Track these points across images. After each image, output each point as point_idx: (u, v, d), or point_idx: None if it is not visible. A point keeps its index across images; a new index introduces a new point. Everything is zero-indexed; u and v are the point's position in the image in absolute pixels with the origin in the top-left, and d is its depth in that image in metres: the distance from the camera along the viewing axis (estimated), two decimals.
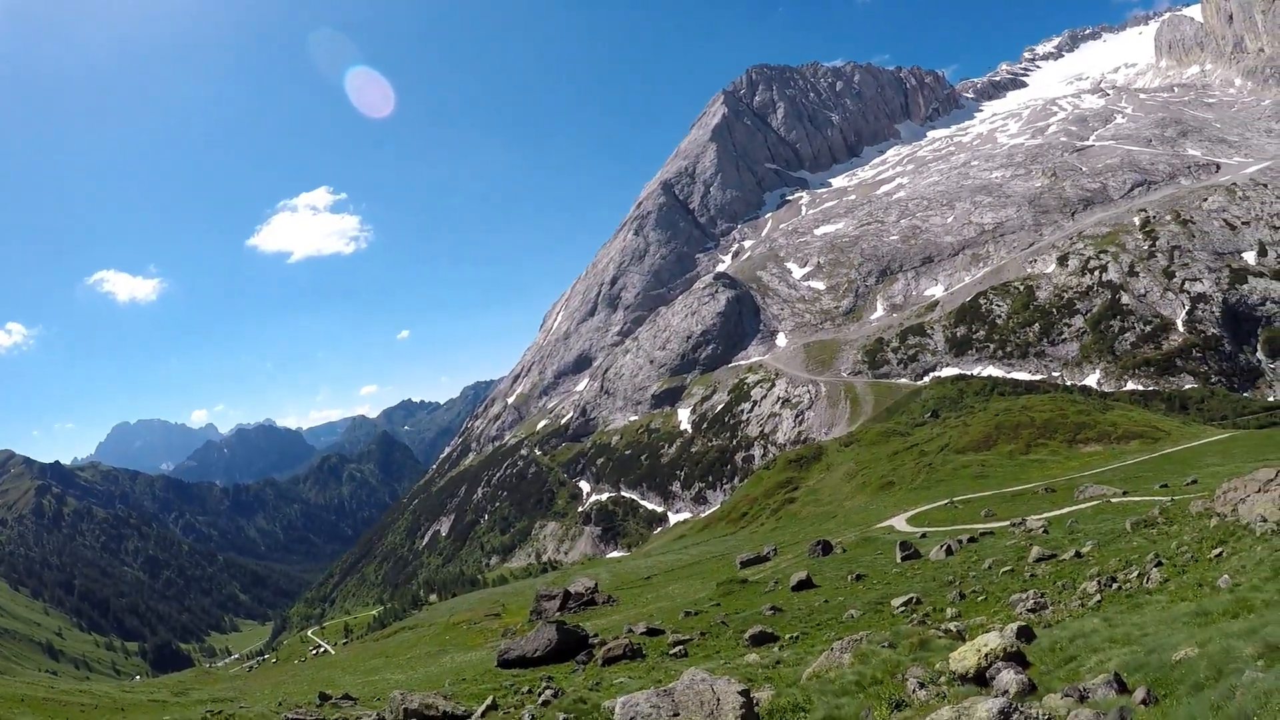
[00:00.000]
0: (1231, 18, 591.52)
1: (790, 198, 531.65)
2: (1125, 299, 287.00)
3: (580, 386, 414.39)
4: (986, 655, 18.55)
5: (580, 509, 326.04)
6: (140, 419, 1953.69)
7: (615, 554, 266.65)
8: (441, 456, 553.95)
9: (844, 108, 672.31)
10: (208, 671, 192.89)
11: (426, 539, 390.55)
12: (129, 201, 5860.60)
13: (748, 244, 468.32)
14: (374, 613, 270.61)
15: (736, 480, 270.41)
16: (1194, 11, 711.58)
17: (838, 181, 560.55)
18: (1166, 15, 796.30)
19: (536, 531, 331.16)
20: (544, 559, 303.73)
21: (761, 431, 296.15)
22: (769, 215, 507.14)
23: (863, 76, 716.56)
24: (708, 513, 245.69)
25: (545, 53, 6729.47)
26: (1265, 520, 34.99)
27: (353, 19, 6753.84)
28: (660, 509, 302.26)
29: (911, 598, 42.54)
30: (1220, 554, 32.05)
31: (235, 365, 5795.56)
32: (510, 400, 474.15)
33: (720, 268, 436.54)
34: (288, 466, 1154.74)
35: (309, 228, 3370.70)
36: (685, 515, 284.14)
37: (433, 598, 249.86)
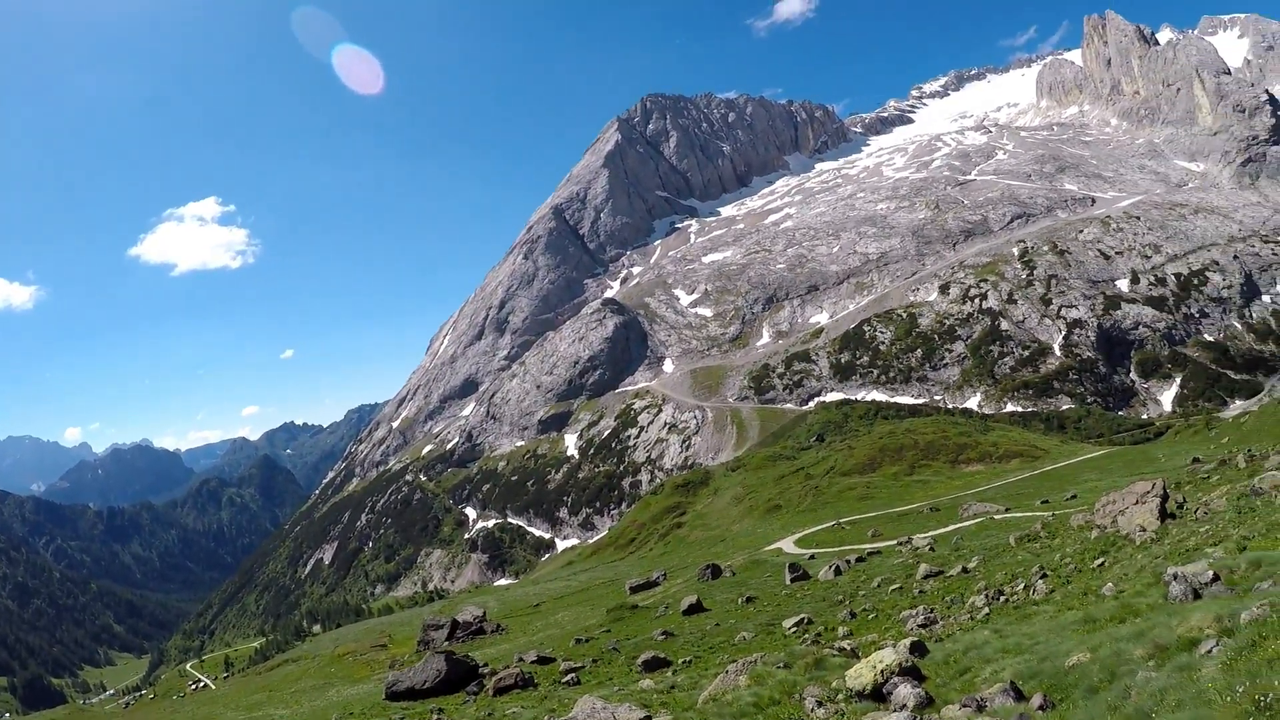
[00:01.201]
0: (1110, 62, 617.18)
1: (680, 225, 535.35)
2: (1004, 325, 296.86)
3: (466, 411, 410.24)
4: (882, 671, 18.66)
5: (467, 536, 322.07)
6: (9, 435, 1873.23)
7: (503, 581, 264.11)
8: (325, 481, 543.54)
9: (735, 138, 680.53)
10: (82, 709, 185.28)
11: (309, 567, 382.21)
12: (7, 202, 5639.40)
13: (636, 270, 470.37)
14: (256, 644, 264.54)
15: (624, 506, 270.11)
16: (1074, 56, 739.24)
17: (727, 210, 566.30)
18: (1048, 59, 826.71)
19: (422, 559, 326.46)
20: (430, 587, 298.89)
21: (649, 457, 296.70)
22: (658, 242, 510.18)
23: (755, 109, 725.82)
24: (596, 539, 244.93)
25: (442, 68, 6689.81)
26: (1144, 530, 36.07)
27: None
28: (548, 535, 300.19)
29: (803, 618, 42.76)
30: (1103, 563, 32.87)
31: (112, 381, 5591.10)
32: (395, 424, 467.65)
33: (609, 294, 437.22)
34: (165, 489, 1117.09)
35: (195, 239, 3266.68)
36: (573, 541, 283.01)
37: (316, 628, 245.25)
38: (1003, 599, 33.32)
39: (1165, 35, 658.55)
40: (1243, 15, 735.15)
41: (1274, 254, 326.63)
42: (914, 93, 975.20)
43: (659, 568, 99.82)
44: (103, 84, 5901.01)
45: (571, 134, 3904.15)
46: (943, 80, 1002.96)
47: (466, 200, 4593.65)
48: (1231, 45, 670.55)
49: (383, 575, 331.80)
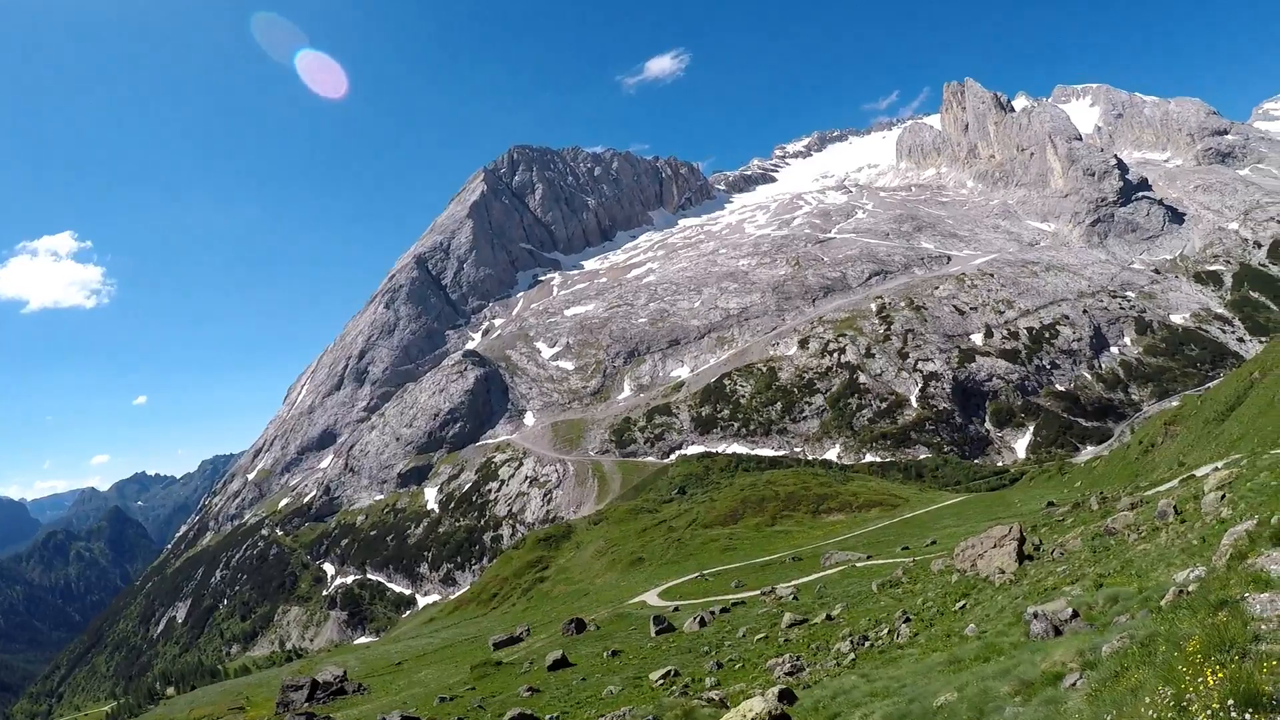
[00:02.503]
0: (967, 127, 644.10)
1: (543, 278, 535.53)
2: (863, 378, 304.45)
3: (324, 463, 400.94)
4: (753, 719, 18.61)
5: (325, 593, 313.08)
6: None
7: (364, 639, 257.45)
8: (178, 535, 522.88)
9: (601, 193, 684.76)
10: None
11: (162, 626, 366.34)
12: None
13: (498, 322, 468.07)
14: (106, 709, 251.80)
15: (486, 560, 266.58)
16: (934, 120, 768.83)
17: (590, 264, 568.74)
18: (909, 122, 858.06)
19: (280, 617, 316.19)
20: (289, 646, 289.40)
21: (510, 511, 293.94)
22: (521, 294, 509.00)
23: (621, 164, 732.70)
24: (458, 594, 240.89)
25: (308, 113, 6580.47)
26: (1003, 572, 36.90)
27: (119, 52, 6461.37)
28: (408, 591, 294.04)
29: (670, 670, 42.60)
30: (965, 606, 33.45)
31: None
32: (251, 476, 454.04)
33: (470, 345, 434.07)
34: (10, 542, 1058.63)
35: (48, 275, 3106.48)
36: (435, 597, 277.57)
37: (170, 691, 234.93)
38: (868, 644, 33.65)
39: (1021, 102, 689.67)
40: (1095, 85, 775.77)
41: (1121, 308, 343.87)
42: (778, 152, 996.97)
43: (523, 623, 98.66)
44: None
45: (437, 182, 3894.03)
46: (806, 141, 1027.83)
47: (329, 247, 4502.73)
48: (1084, 113, 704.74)
49: (239, 634, 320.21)
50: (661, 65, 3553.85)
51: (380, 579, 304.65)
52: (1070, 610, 21.11)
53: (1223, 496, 30.03)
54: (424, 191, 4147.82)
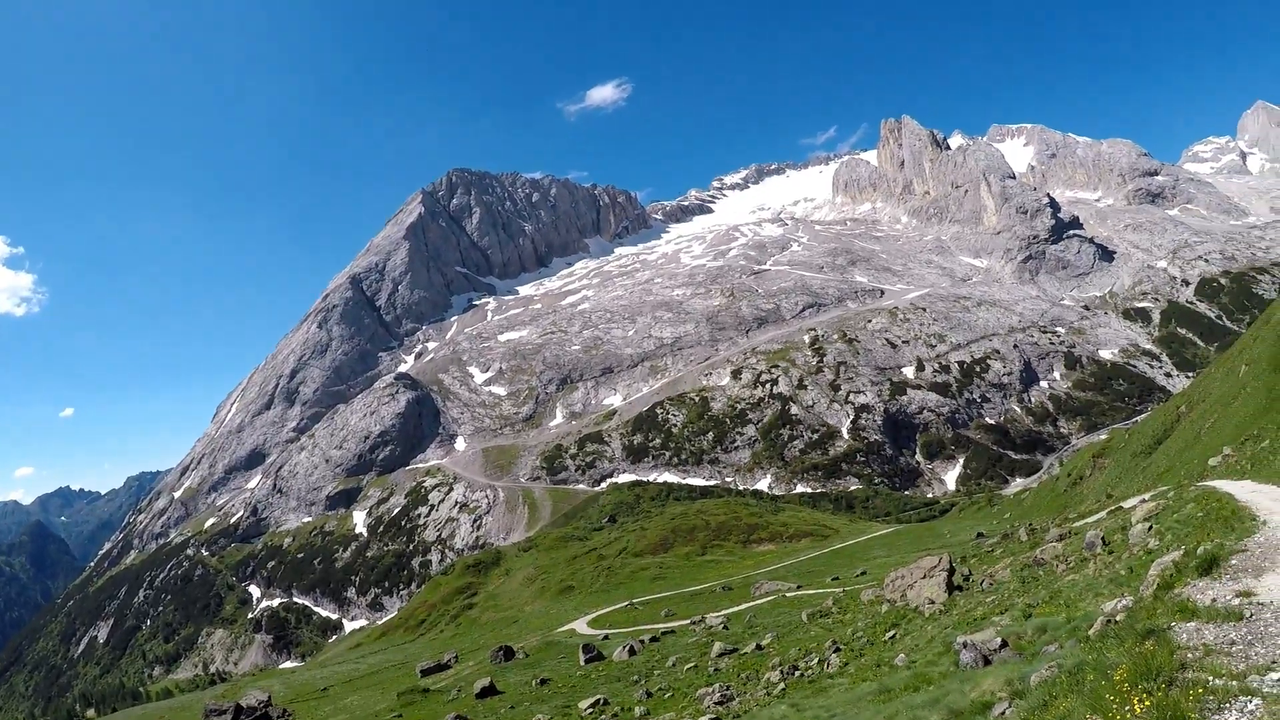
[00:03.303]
0: (903, 164, 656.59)
1: (477, 302, 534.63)
2: (795, 409, 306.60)
3: (252, 484, 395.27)
4: None
5: (250, 615, 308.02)
6: None
7: (289, 664, 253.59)
8: (101, 552, 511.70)
9: (538, 218, 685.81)
10: None
11: (83, 645, 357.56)
12: None
13: (432, 345, 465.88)
14: None
15: (414, 586, 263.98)
16: (870, 156, 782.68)
17: (525, 290, 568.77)
18: (845, 158, 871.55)
19: (204, 640, 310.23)
20: (212, 670, 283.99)
21: (439, 536, 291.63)
22: (455, 318, 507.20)
23: (559, 190, 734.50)
24: (385, 620, 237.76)
25: (248, 123, 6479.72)
26: (933, 602, 37.12)
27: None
28: (335, 616, 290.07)
29: (599, 699, 42.29)
30: (894, 635, 33.58)
31: None
32: (178, 494, 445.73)
33: (403, 368, 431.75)
34: None
35: None
36: (362, 623, 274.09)
37: (90, 713, 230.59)
38: (798, 674, 33.62)
39: (957, 141, 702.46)
40: (1029, 125, 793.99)
41: (1051, 343, 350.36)
42: (715, 183, 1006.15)
43: (450, 649, 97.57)
44: None
45: (375, 202, 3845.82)
46: (744, 173, 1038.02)
47: (265, 264, 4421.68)
48: (1018, 152, 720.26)
49: (162, 656, 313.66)
50: (604, 94, 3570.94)
51: (307, 603, 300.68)
52: (999, 640, 21.23)
53: (1150, 528, 30.44)
54: (362, 211, 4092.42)
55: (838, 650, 34.69)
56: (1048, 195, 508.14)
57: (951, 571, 40.30)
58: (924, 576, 40.77)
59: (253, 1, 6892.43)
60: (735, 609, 74.65)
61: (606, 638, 75.91)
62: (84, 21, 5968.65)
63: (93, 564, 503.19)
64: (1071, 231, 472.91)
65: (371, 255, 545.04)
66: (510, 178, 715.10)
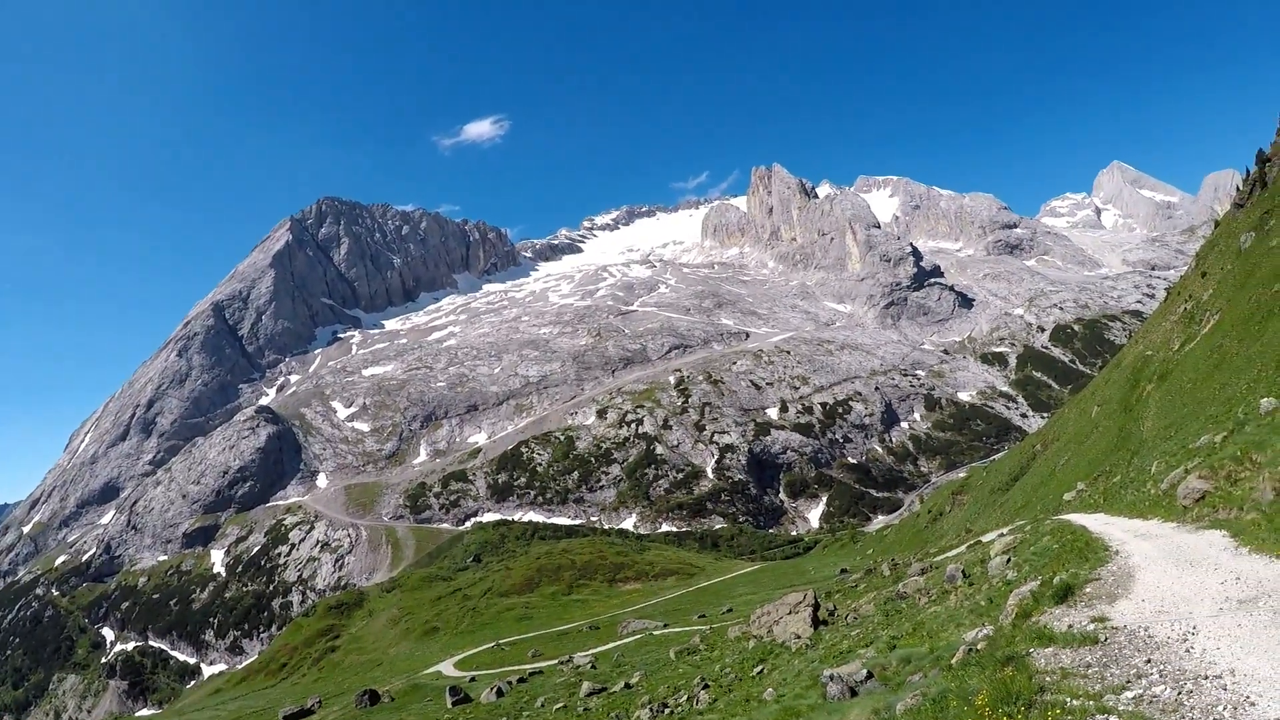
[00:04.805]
0: (772, 210, 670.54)
1: (342, 335, 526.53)
2: (660, 449, 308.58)
3: (106, 519, 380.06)
4: None
5: (104, 660, 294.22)
6: None
7: (145, 711, 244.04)
8: None
9: (407, 252, 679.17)
10: None
11: None
12: None
13: (294, 379, 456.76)
14: None
15: (275, 628, 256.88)
16: (740, 202, 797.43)
17: (391, 324, 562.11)
18: (716, 202, 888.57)
19: (55, 686, 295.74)
20: (65, 718, 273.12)
21: (300, 576, 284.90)
22: (319, 351, 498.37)
23: (429, 223, 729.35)
24: (245, 664, 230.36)
25: (109, 133, 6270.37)
26: (799, 637, 37.62)
27: None
28: (193, 660, 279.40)
29: None
30: (762, 671, 33.88)
31: None
32: (26, 529, 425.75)
33: (264, 401, 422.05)
34: None
35: None
36: (221, 667, 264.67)
37: None
38: (667, 711, 33.77)
39: (825, 190, 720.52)
40: (895, 177, 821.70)
41: (912, 386, 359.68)
42: (586, 223, 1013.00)
43: (314, 694, 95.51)
44: None
45: (242, 227, 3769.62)
46: (614, 214, 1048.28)
47: (125, 287, 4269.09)
48: (883, 203, 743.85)
49: (10, 704, 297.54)
50: (480, 129, 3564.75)
51: (163, 646, 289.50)
52: (865, 671, 21.60)
53: (1008, 560, 31.32)
54: (228, 235, 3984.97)
55: (706, 687, 34.87)
56: (911, 244, 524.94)
57: (816, 607, 40.87)
58: (790, 612, 41.27)
59: (119, 12, 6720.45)
60: (603, 648, 74.74)
61: (473, 679, 75.18)
62: None
63: None
64: (933, 279, 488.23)
65: (236, 282, 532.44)
66: (381, 209, 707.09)
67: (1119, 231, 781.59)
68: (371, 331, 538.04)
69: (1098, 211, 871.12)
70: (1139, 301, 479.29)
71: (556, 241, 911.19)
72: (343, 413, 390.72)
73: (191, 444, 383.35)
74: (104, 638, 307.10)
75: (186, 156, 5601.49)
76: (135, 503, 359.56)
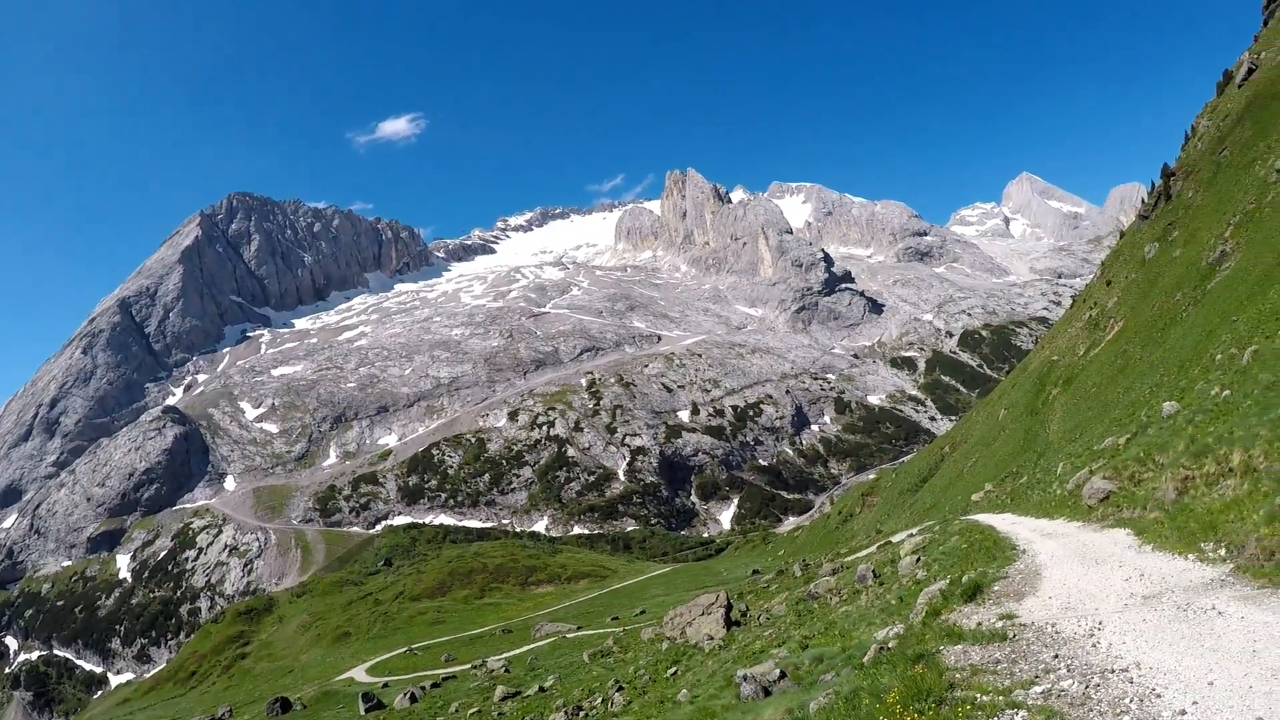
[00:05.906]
0: (686, 214, 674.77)
1: (251, 334, 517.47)
2: (572, 452, 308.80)
3: (8, 523, 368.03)
4: None
5: (7, 670, 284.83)
6: None
7: None
8: None
9: (319, 250, 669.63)
10: None
11: None
12: None
13: (202, 378, 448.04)
14: None
15: (184, 635, 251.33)
16: (654, 205, 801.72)
17: (301, 323, 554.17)
18: (630, 206, 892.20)
19: None
20: None
21: (209, 581, 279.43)
22: (228, 350, 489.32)
23: (342, 221, 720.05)
24: (154, 672, 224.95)
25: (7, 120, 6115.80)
26: (712, 638, 37.86)
27: None
28: (100, 669, 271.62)
29: None
30: (676, 672, 34.02)
31: None
32: None
33: (171, 400, 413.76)
34: None
35: None
36: (129, 676, 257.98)
37: None
38: (582, 714, 33.74)
39: (738, 195, 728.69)
40: (808, 184, 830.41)
41: (822, 389, 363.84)
42: (500, 224, 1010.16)
43: (224, 703, 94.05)
44: None
45: (149, 221, 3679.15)
46: (529, 215, 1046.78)
47: (28, 280, 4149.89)
48: (796, 209, 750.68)
49: None
50: (396, 127, 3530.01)
51: (69, 655, 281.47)
52: (778, 671, 21.71)
53: (918, 559, 31.75)
54: (135, 229, 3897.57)
55: (621, 689, 34.91)
56: (823, 250, 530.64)
57: (729, 608, 41.13)
58: (703, 613, 41.48)
59: None
60: (516, 651, 74.57)
61: (386, 685, 74.52)
62: None
63: None
64: (844, 285, 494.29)
65: (143, 278, 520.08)
66: (293, 205, 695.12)
67: (1027, 240, 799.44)
68: (281, 330, 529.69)
69: (1006, 221, 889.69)
70: (1045, 309, 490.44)
71: (470, 242, 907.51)
72: (251, 413, 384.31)
73: (96, 445, 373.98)
74: (7, 647, 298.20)
75: (93, 147, 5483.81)
76: (38, 506, 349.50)
